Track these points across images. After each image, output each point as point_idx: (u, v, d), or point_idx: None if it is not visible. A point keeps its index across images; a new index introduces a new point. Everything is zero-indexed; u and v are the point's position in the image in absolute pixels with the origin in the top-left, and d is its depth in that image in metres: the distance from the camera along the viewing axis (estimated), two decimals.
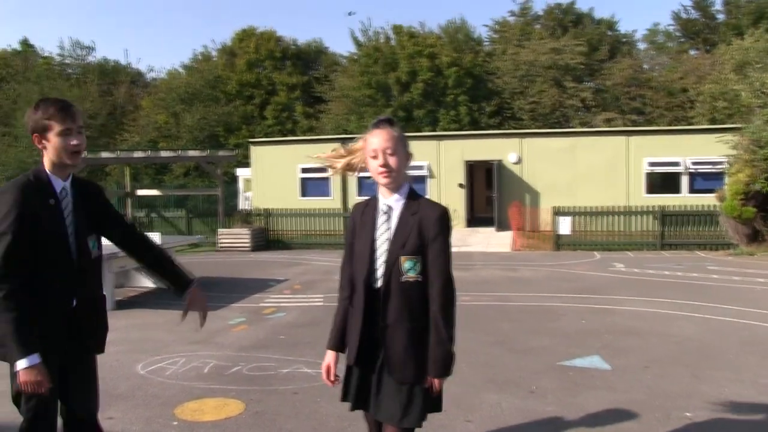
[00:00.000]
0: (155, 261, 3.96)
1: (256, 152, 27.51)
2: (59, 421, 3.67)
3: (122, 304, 11.82)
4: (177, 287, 3.95)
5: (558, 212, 21.24)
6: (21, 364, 3.23)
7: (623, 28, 53.28)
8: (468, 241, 22.24)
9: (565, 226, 21.14)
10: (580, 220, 21.31)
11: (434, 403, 3.55)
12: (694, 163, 23.94)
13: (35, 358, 3.26)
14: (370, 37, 43.01)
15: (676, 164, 24.10)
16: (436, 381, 3.42)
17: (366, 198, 3.68)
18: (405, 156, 3.48)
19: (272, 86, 44.88)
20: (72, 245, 3.51)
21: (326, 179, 26.49)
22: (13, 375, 3.40)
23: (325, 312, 10.76)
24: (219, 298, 12.43)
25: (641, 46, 47.20)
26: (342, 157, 3.81)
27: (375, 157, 3.43)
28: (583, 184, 24.43)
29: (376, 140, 3.42)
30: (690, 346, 8.39)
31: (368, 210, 3.58)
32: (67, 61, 47.89)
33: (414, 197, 3.49)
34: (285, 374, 7.23)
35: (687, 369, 7.27)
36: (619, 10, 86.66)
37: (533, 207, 24.47)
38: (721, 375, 7.04)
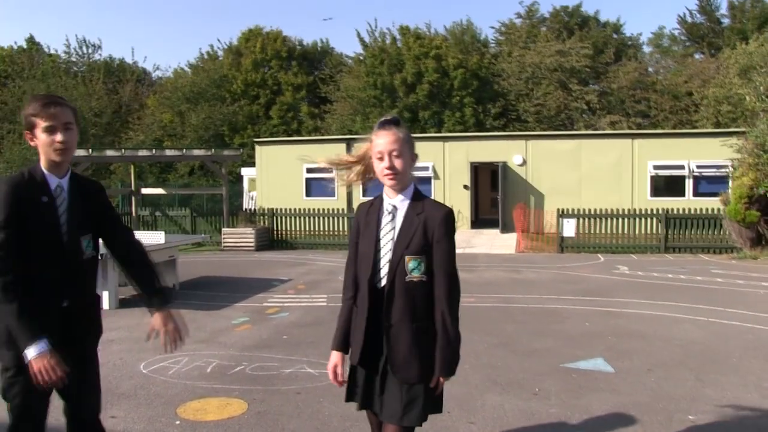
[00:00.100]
0: (137, 275, 3.84)
1: (262, 152, 27.51)
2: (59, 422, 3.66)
3: (125, 303, 11.81)
4: (149, 306, 3.81)
5: (562, 214, 21.21)
6: (31, 352, 3.21)
7: (628, 31, 53.24)
8: (472, 242, 22.23)
9: (569, 228, 21.12)
10: (585, 223, 21.27)
11: (435, 403, 3.55)
12: (699, 167, 23.90)
13: (44, 344, 3.24)
14: (376, 38, 43.02)
15: (680, 167, 24.07)
16: (441, 380, 3.42)
17: (371, 198, 3.68)
18: (411, 157, 3.47)
19: (278, 86, 44.91)
20: (64, 244, 3.48)
21: (331, 180, 26.46)
22: (4, 369, 3.41)
23: (329, 312, 10.78)
24: (222, 297, 12.45)
25: (646, 49, 47.23)
26: (348, 165, 3.76)
27: (381, 159, 3.42)
28: (588, 187, 24.41)
29: (381, 142, 3.41)
30: (694, 349, 8.38)
31: (373, 210, 3.57)
32: (73, 59, 47.93)
33: (419, 197, 3.49)
34: (288, 374, 7.24)
35: (691, 372, 7.26)
36: (624, 13, 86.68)
37: (538, 209, 24.44)
38: (724, 378, 7.03)
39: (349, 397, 3.65)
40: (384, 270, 3.44)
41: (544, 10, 45.49)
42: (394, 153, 3.38)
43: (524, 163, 25.49)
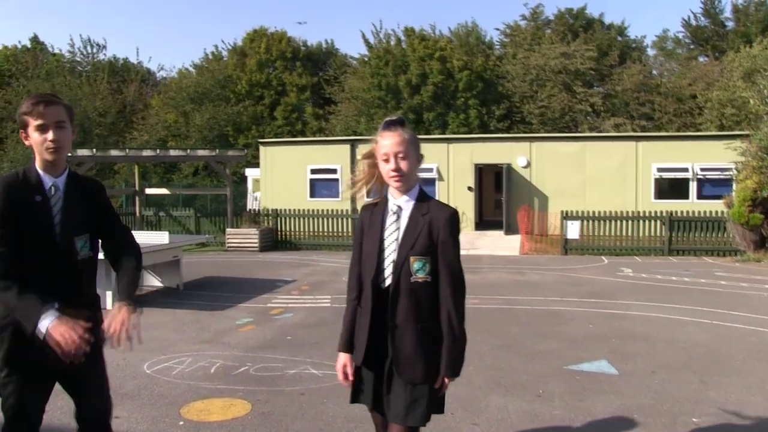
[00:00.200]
0: (119, 279, 3.62)
1: (266, 152, 27.55)
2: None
3: None
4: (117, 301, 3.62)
5: (566, 216, 21.18)
6: (44, 324, 3.14)
7: (633, 33, 53.24)
8: (476, 244, 22.23)
9: (573, 230, 21.09)
10: (589, 225, 21.24)
11: (437, 404, 3.54)
12: (703, 170, 23.92)
13: (53, 312, 3.18)
14: (381, 39, 43.03)
15: (684, 170, 24.08)
16: (446, 381, 3.42)
17: (375, 198, 3.68)
18: (416, 158, 3.47)
19: (282, 87, 44.93)
20: (58, 244, 3.43)
21: (335, 180, 26.52)
22: None
23: (333, 313, 10.79)
24: (226, 298, 12.45)
25: (651, 52, 47.19)
26: (367, 177, 3.69)
27: (386, 161, 3.42)
28: (592, 189, 24.42)
29: (387, 143, 3.41)
30: (697, 351, 8.38)
31: (377, 210, 3.58)
32: (77, 59, 47.96)
33: (424, 198, 3.50)
34: (292, 375, 7.24)
35: (694, 374, 7.26)
36: (629, 16, 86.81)
37: (542, 211, 24.44)
38: (728, 381, 7.03)
39: (354, 399, 3.66)
40: (388, 270, 3.45)
41: (548, 12, 45.56)
42: (400, 154, 3.39)
43: (528, 165, 25.51)
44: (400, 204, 3.48)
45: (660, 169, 24.27)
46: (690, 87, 37.83)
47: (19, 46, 48.05)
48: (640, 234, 21.14)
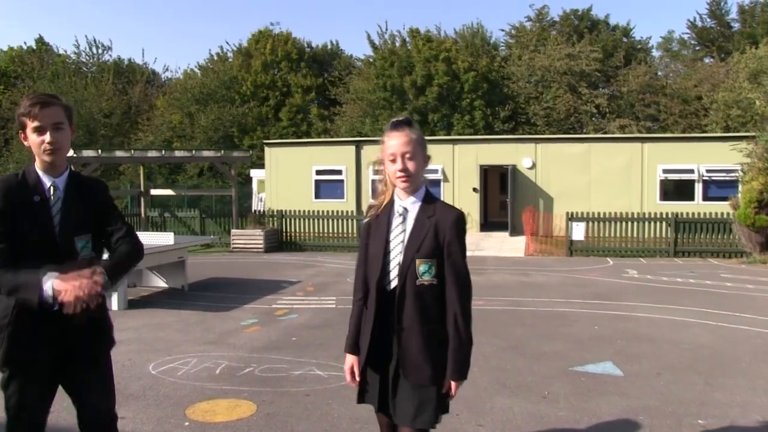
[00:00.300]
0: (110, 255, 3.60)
1: (271, 153, 27.58)
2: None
3: (134, 304, 11.85)
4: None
5: (572, 218, 21.16)
6: (47, 285, 3.10)
7: (638, 34, 53.11)
8: (481, 245, 22.21)
9: (578, 231, 21.07)
10: (594, 226, 21.21)
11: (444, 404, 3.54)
12: (708, 171, 23.88)
13: (50, 272, 3.14)
14: (386, 41, 43.04)
15: (690, 171, 24.05)
16: (454, 384, 3.40)
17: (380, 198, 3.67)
18: (423, 159, 3.46)
19: (287, 88, 44.93)
20: (57, 244, 3.39)
21: (340, 181, 26.55)
22: (1, 368, 3.38)
23: (338, 314, 10.79)
24: (232, 299, 12.46)
25: (656, 53, 47.15)
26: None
27: (393, 161, 3.40)
28: (597, 190, 24.41)
29: (394, 143, 3.40)
30: (703, 353, 8.36)
31: (383, 211, 3.56)
32: (83, 59, 48.01)
33: (430, 200, 3.48)
34: (297, 376, 7.24)
35: (700, 376, 7.25)
36: (634, 17, 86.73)
37: (547, 212, 24.41)
38: (733, 382, 7.02)
39: (361, 399, 3.66)
40: (393, 272, 3.44)
41: (554, 14, 45.48)
42: (407, 155, 3.37)
43: (533, 166, 25.50)
44: (407, 206, 3.47)
45: (665, 171, 24.26)
46: (696, 88, 37.78)
47: (25, 48, 48.17)
48: (646, 235, 21.12)
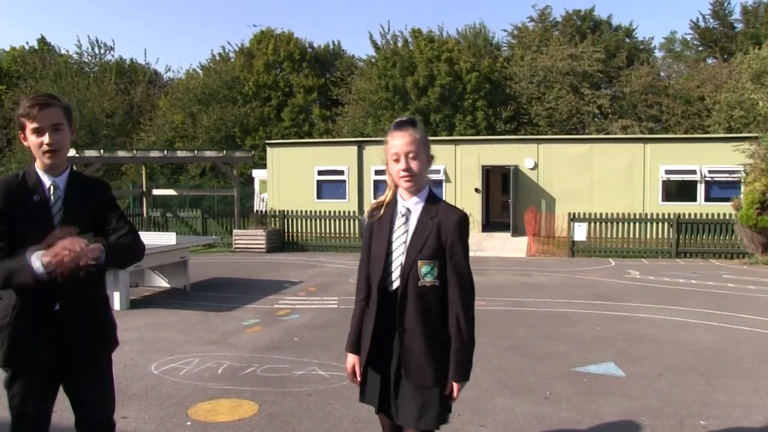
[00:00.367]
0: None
1: (273, 154, 27.60)
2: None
3: (136, 304, 11.86)
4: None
5: (574, 218, 21.14)
6: (34, 258, 3.08)
7: (641, 35, 53.07)
8: (483, 245, 22.21)
9: (580, 232, 21.04)
10: (596, 227, 21.19)
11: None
12: (711, 172, 23.87)
13: (37, 249, 3.10)
14: (388, 41, 43.04)
15: (692, 172, 24.05)
16: (456, 386, 3.39)
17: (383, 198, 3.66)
18: (427, 158, 3.45)
19: (289, 88, 44.95)
20: None
21: (342, 182, 26.56)
22: (3, 368, 3.38)
23: (340, 314, 10.79)
24: (233, 299, 12.47)
25: (659, 54, 47.11)
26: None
27: (397, 161, 3.40)
28: (599, 191, 24.42)
29: (397, 143, 3.39)
30: (705, 354, 8.36)
31: (386, 211, 3.56)
32: (85, 59, 48.03)
33: (433, 201, 3.48)
34: (299, 376, 7.24)
35: (702, 377, 7.25)
36: (637, 18, 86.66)
37: (549, 213, 24.41)
38: (735, 383, 7.01)
39: (362, 398, 3.67)
40: (395, 273, 3.43)
41: (556, 14, 45.55)
42: (411, 154, 3.37)
43: (536, 166, 25.51)
44: (409, 206, 3.46)
45: (668, 171, 24.25)
46: (698, 89, 37.74)
47: (27, 48, 48.18)
48: (648, 236, 21.09)
